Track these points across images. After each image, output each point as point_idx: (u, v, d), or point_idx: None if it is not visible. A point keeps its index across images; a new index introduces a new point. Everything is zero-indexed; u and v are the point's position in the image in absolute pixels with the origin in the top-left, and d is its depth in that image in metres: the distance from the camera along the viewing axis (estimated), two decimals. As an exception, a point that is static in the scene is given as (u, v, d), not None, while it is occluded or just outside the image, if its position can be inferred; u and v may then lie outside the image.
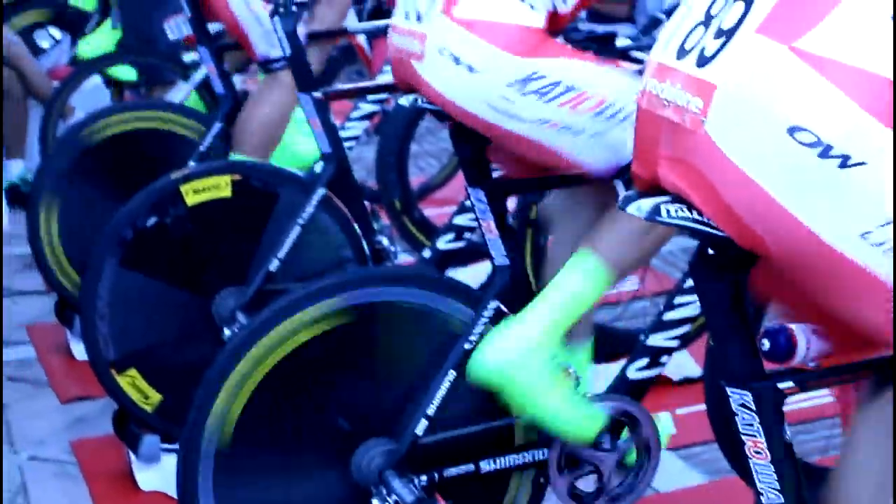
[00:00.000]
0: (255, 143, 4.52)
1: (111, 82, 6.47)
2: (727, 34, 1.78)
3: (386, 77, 5.05)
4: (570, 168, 2.86)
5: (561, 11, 2.83)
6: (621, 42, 3.75)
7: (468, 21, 2.74)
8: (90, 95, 6.29)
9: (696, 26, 1.86)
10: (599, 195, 2.96)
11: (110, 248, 3.69)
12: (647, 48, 4.01)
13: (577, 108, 2.77)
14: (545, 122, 2.76)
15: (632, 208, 1.87)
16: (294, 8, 3.77)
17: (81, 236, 4.49)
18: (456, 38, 2.74)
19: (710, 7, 1.85)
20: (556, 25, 2.88)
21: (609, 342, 3.70)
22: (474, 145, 2.86)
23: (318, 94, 3.83)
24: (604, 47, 3.49)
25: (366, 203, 4.01)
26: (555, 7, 2.81)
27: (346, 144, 4.79)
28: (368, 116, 4.94)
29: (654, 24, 4.26)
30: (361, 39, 5.50)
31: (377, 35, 5.37)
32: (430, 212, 5.48)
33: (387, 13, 5.36)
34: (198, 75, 5.59)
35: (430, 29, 2.78)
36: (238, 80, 5.47)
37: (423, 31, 2.79)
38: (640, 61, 4.07)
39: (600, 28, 4.09)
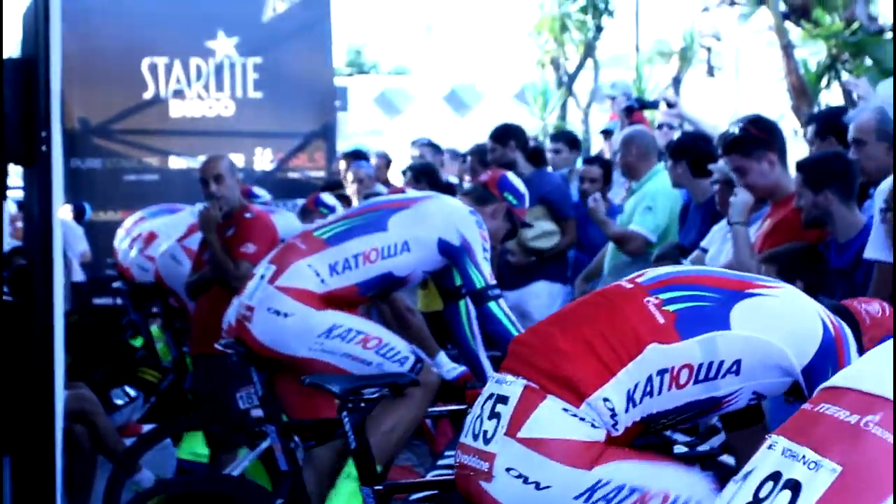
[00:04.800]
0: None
1: (178, 440, 6.62)
2: None
3: (448, 460, 5.16)
4: None
5: (613, 434, 2.96)
6: (678, 449, 3.85)
7: (533, 440, 2.87)
8: (157, 453, 6.44)
9: None
10: None
11: None
12: (702, 456, 4.10)
13: None
14: None
15: None
16: (362, 404, 3.92)
17: None
18: (523, 459, 2.87)
19: (758, 489, 1.96)
20: (616, 441, 3.00)
21: None
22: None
23: (379, 488, 3.93)
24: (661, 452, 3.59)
25: None
26: (608, 431, 2.94)
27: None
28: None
29: (711, 432, 4.36)
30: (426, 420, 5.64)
31: (441, 416, 5.52)
32: None
33: (456, 391, 5.50)
34: (263, 445, 5.72)
35: (498, 449, 2.91)
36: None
37: (492, 451, 2.92)
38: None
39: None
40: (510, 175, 5.37)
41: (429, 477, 4.77)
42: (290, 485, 4.77)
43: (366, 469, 3.91)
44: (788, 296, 3.12)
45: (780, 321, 3.04)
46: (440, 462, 5.18)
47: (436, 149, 10.77)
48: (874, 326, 3.26)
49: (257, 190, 8.83)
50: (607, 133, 10.28)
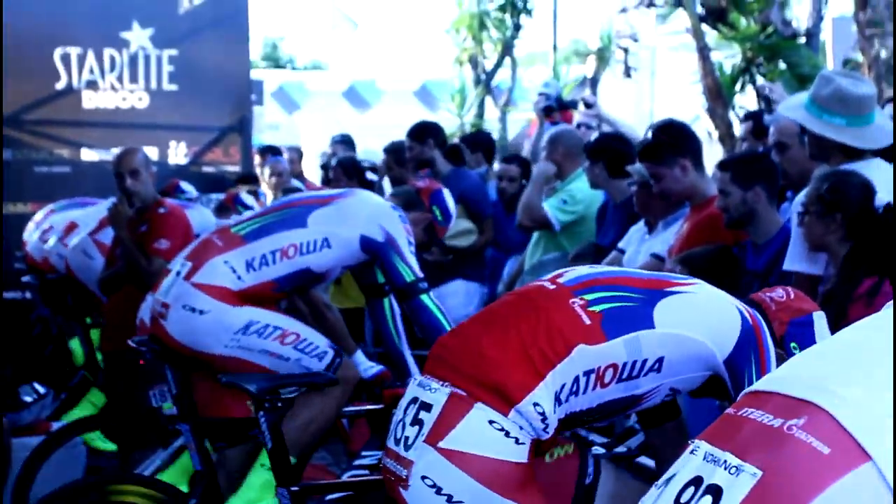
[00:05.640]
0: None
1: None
2: None
3: (365, 460, 5.11)
4: None
5: (543, 438, 2.94)
6: (596, 451, 3.85)
7: (453, 452, 2.83)
8: (67, 453, 6.31)
9: None
10: None
11: None
12: (619, 457, 4.12)
13: None
14: None
15: None
16: (279, 404, 3.87)
17: None
18: (439, 469, 2.83)
19: (679, 494, 1.94)
20: (541, 450, 2.99)
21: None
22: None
23: (295, 489, 3.88)
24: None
25: None
26: (538, 436, 2.92)
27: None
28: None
29: (628, 433, 4.38)
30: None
31: (358, 416, 5.48)
32: None
33: (373, 390, 5.47)
34: (176, 444, 5.63)
35: (416, 457, 2.87)
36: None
37: (410, 458, 2.89)
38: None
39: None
40: (446, 193, 5.37)
41: (345, 477, 4.72)
42: (203, 485, 4.70)
43: (281, 469, 3.86)
44: (705, 291, 3.15)
45: (700, 316, 3.06)
46: (357, 462, 5.13)
47: (350, 145, 10.73)
48: (781, 310, 3.30)
49: (185, 185, 8.75)
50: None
